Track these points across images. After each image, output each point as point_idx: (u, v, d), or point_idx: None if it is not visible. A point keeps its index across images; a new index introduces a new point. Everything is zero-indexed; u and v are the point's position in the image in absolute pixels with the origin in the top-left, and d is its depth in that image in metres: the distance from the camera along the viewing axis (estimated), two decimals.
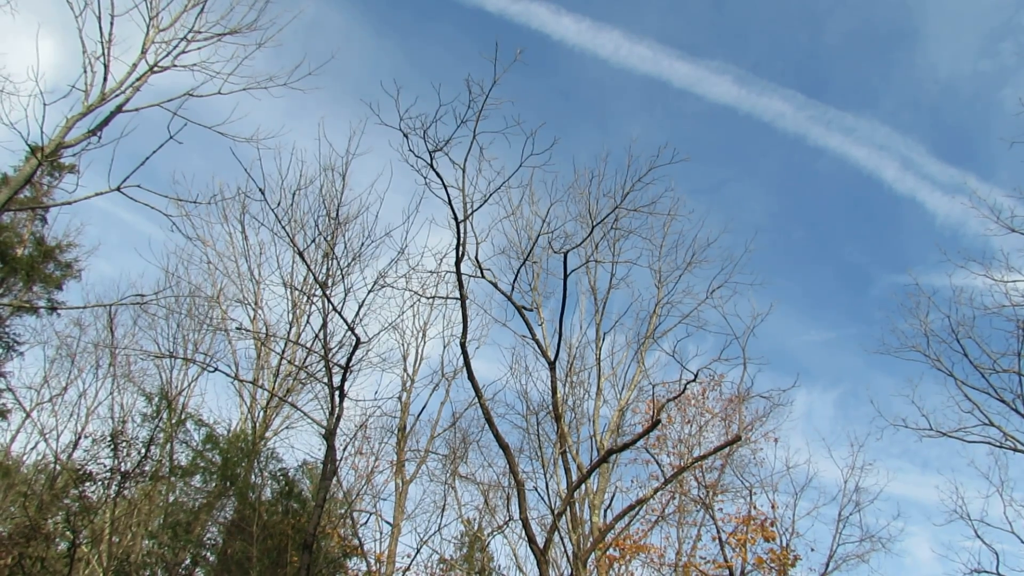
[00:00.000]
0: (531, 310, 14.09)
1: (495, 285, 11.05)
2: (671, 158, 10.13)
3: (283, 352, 18.22)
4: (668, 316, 16.46)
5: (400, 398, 18.89)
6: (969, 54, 59.91)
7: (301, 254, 11.61)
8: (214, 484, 16.73)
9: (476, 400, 10.66)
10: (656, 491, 12.29)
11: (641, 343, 16.58)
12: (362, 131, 11.81)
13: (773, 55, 68.57)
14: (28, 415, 19.25)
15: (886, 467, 37.23)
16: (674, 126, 71.10)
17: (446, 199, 9.76)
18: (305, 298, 17.42)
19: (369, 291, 11.62)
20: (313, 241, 12.10)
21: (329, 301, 11.35)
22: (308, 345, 16.10)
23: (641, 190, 10.97)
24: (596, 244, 15.48)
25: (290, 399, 18.01)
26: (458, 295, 10.49)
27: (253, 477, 16.33)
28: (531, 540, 9.64)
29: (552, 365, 11.60)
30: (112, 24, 9.65)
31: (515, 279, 11.62)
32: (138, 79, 10.24)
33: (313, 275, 11.91)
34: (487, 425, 10.76)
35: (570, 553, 13.97)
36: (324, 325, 11.86)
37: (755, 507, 16.19)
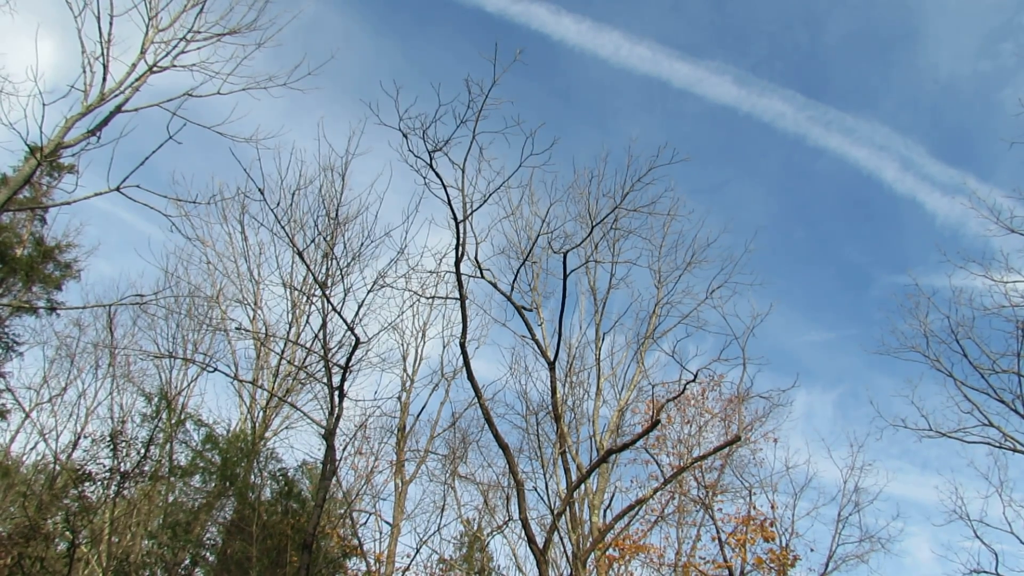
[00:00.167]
0: (531, 310, 14.10)
1: (495, 285, 11.06)
2: (671, 158, 10.14)
3: (283, 352, 18.23)
4: (668, 316, 16.47)
5: (400, 398, 18.92)
6: (969, 54, 59.96)
7: (301, 254, 11.61)
8: (213, 484, 16.72)
9: (476, 400, 10.66)
10: (656, 491, 12.29)
11: (641, 343, 16.59)
12: (362, 131, 11.80)
13: (773, 55, 68.66)
14: (28, 415, 19.26)
15: (886, 467, 37.27)
16: (674, 126, 71.18)
17: (446, 199, 9.77)
18: (305, 298, 17.43)
19: (369, 291, 11.64)
20: (313, 241, 12.11)
21: (329, 301, 11.34)
22: (308, 345, 16.10)
23: (641, 190, 10.98)
24: (596, 244, 15.50)
25: (290, 399, 18.01)
26: (458, 295, 10.49)
27: (252, 477, 16.32)
28: (531, 540, 9.64)
29: (552, 365, 11.60)
30: (111, 24, 9.65)
31: (515, 279, 11.62)
32: (137, 79, 10.23)
33: (313, 275, 11.90)
34: (487, 425, 10.77)
35: (570, 553, 13.97)
36: (324, 325, 11.86)
37: (755, 507, 16.20)
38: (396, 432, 18.44)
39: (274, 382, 18.40)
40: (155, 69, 10.46)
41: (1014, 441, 13.96)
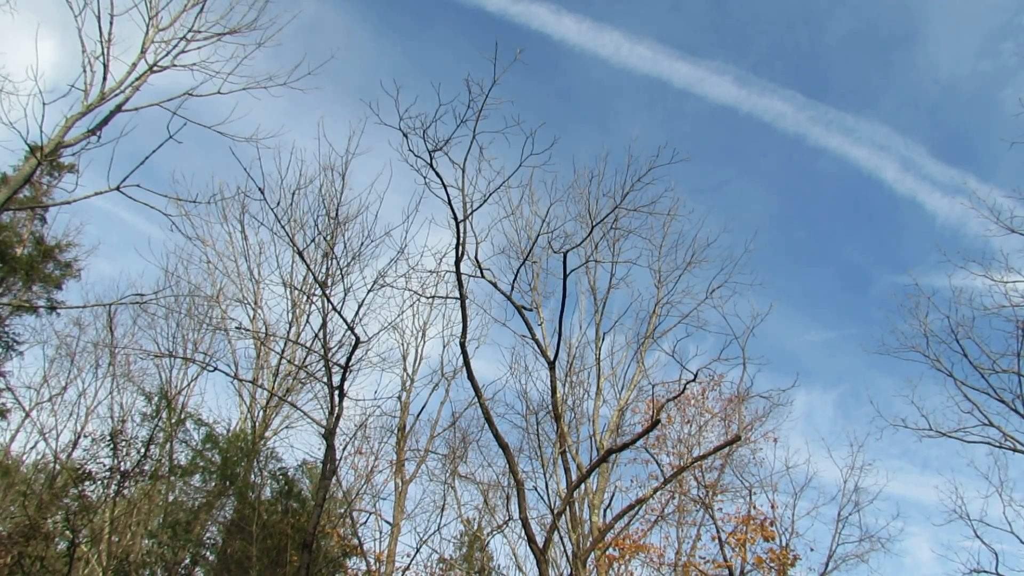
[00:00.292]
0: (531, 310, 14.09)
1: (495, 285, 11.06)
2: (671, 158, 10.15)
3: (283, 352, 18.23)
4: (668, 316, 16.47)
5: (400, 398, 18.92)
6: (969, 54, 59.96)
7: (301, 254, 11.62)
8: (214, 484, 16.72)
9: (476, 400, 10.66)
10: (656, 491, 12.30)
11: (641, 343, 16.59)
12: (362, 131, 11.82)
13: (773, 55, 68.64)
14: (28, 415, 19.27)
15: (886, 467, 37.25)
16: (674, 126, 71.17)
17: (446, 199, 9.77)
18: (305, 298, 17.43)
19: (369, 291, 11.65)
20: (313, 241, 12.11)
21: (329, 301, 11.35)
22: (308, 345, 16.11)
23: (641, 190, 10.98)
24: (596, 244, 15.49)
25: (290, 399, 18.01)
26: (458, 295, 10.49)
27: (253, 477, 16.32)
28: (531, 540, 9.64)
29: (552, 365, 11.60)
30: (111, 24, 9.64)
31: (515, 279, 11.63)
32: (137, 79, 10.23)
33: (313, 275, 11.91)
34: (487, 425, 10.76)
35: (570, 553, 13.97)
36: (324, 325, 11.86)
37: (755, 507, 16.20)
38: (396, 432, 18.44)
39: (274, 381, 18.40)
40: (155, 69, 10.46)
41: (1014, 441, 13.97)
